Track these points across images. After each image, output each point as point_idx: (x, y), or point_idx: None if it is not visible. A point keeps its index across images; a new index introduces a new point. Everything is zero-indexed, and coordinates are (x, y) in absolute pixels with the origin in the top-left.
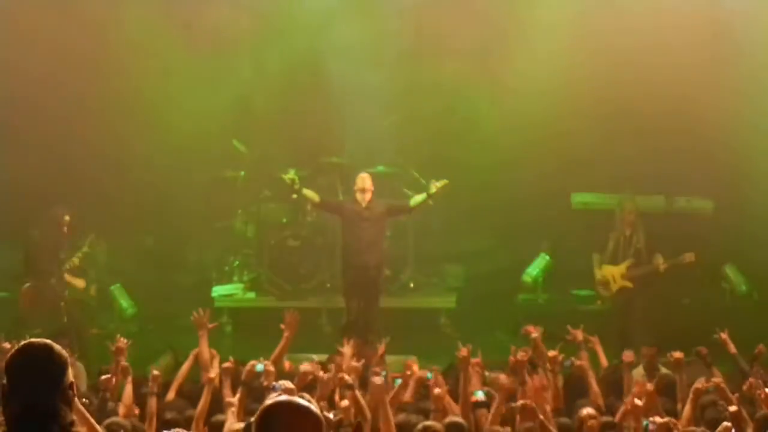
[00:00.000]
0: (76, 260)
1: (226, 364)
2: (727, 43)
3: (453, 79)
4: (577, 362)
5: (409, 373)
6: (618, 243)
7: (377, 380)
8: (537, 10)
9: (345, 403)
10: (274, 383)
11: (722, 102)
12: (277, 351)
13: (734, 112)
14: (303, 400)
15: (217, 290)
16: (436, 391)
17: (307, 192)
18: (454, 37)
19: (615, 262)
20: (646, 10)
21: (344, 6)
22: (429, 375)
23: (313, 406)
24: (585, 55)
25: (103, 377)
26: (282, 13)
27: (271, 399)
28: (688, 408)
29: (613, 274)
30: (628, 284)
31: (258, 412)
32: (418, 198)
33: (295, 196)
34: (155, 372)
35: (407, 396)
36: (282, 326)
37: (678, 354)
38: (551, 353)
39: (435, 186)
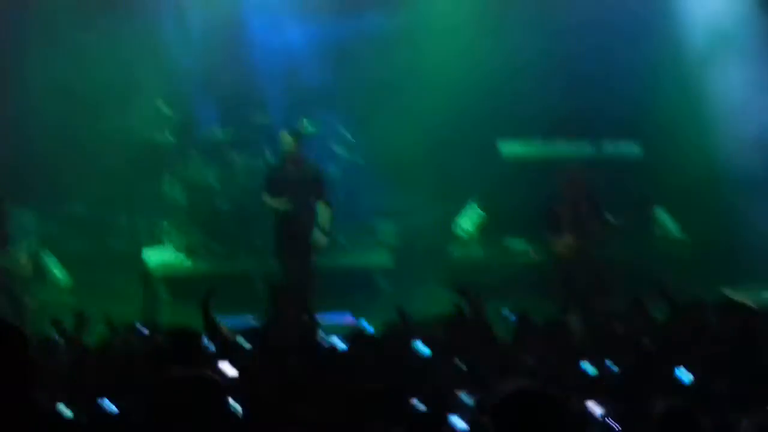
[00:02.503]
0: None
1: None
2: None
3: (380, 32)
4: None
5: None
6: (568, 216)
7: None
8: None
9: None
10: None
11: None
12: None
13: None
14: None
15: (150, 255)
16: None
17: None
18: None
19: (570, 234)
20: None
21: None
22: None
23: None
24: None
25: None
26: None
27: None
28: None
29: (569, 244)
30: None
31: None
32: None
33: None
34: None
35: None
36: None
37: None
38: None
39: None
